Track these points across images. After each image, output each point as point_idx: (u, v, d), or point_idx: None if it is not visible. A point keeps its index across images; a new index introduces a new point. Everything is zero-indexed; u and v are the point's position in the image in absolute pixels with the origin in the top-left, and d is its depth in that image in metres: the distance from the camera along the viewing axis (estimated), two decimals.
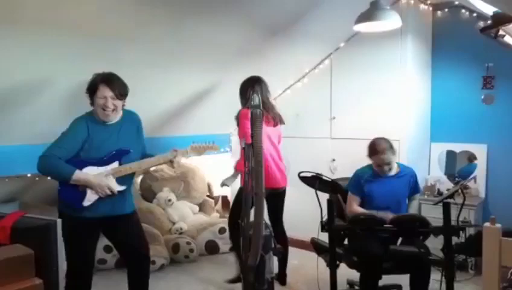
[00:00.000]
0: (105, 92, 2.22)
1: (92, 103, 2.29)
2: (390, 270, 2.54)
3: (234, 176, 3.07)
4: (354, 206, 2.74)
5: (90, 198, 2.23)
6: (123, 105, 2.34)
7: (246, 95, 2.93)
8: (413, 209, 2.83)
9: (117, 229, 2.39)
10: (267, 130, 2.98)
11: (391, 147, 2.73)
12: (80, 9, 2.13)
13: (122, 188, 2.29)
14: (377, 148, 2.71)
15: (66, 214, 2.20)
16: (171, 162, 2.41)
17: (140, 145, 2.45)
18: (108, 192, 2.22)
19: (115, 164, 2.28)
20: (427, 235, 2.48)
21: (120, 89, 2.26)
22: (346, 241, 2.73)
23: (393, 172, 2.77)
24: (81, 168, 2.20)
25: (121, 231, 2.40)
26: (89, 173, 2.21)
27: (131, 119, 2.41)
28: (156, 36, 2.61)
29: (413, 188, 2.83)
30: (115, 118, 2.32)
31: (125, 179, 2.33)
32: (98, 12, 2.21)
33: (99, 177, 2.21)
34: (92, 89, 2.25)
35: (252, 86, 2.95)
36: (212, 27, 2.72)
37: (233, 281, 3.27)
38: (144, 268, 2.48)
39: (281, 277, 3.21)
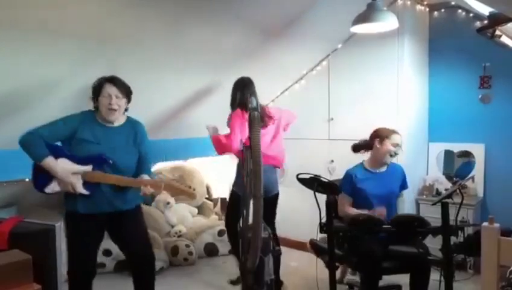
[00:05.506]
0: (110, 90, 2.27)
1: (97, 107, 2.31)
2: (391, 271, 2.54)
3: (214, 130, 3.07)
4: (346, 207, 2.73)
5: (53, 187, 2.22)
6: (126, 109, 2.38)
7: (234, 96, 2.99)
8: (401, 210, 2.85)
9: (120, 227, 2.38)
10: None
11: None
12: (80, 14, 2.13)
13: (85, 192, 2.24)
14: (389, 129, 2.77)
15: (68, 211, 2.24)
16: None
17: (136, 154, 2.40)
18: (71, 190, 2.21)
19: (88, 167, 2.24)
20: (426, 235, 2.48)
21: (123, 88, 2.32)
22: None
23: (384, 168, 2.81)
24: (56, 156, 2.19)
25: (124, 229, 2.39)
26: (61, 164, 2.20)
27: (131, 127, 2.41)
28: (154, 39, 2.61)
29: (403, 183, 2.88)
30: (118, 119, 2.35)
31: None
32: (97, 17, 2.21)
33: (66, 173, 2.19)
34: (97, 90, 2.29)
35: (241, 89, 2.97)
36: (209, 29, 2.72)
37: (234, 282, 3.26)
38: (148, 268, 2.46)
39: (276, 283, 3.19)
